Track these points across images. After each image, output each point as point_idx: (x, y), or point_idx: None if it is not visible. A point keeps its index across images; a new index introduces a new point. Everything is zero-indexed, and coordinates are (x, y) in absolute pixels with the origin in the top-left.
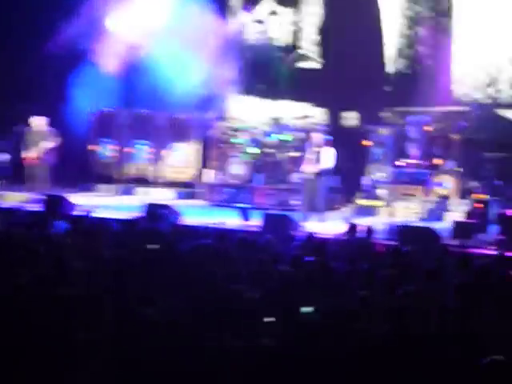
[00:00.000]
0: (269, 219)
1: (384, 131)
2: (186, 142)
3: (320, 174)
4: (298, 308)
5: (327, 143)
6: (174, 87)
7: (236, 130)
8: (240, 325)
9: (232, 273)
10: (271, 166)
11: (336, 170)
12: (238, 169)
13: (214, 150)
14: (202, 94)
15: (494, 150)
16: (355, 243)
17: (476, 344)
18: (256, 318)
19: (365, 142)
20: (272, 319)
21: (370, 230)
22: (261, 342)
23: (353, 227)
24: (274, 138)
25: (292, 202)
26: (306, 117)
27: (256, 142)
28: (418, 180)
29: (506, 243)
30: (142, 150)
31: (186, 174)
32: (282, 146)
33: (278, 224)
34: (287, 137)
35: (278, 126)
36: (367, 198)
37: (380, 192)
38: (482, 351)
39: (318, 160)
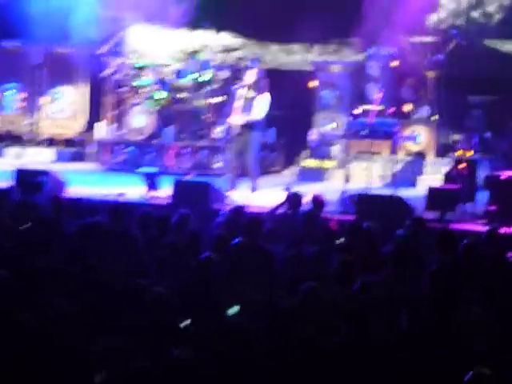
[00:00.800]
0: (182, 188)
1: (337, 68)
2: (70, 85)
3: (251, 126)
4: (222, 307)
5: (261, 86)
6: (53, 13)
7: (139, 68)
8: (144, 331)
9: (133, 262)
10: (185, 117)
11: (273, 122)
12: (141, 121)
13: (108, 95)
14: (92, 21)
15: (480, 91)
16: (299, 219)
17: (459, 347)
18: (167, 323)
19: (311, 84)
20: (187, 323)
21: (318, 201)
22: (172, 355)
23: (295, 197)
24: (189, 78)
25: (214, 165)
26: (231, 50)
27: (165, 85)
28: (383, 133)
29: (498, 216)
30: (11, 97)
31: (71, 129)
32: (200, 89)
33: (196, 194)
34: (206, 77)
35: (195, 62)
36: (315, 157)
37: (332, 149)
38: (466, 357)
39: (248, 108)
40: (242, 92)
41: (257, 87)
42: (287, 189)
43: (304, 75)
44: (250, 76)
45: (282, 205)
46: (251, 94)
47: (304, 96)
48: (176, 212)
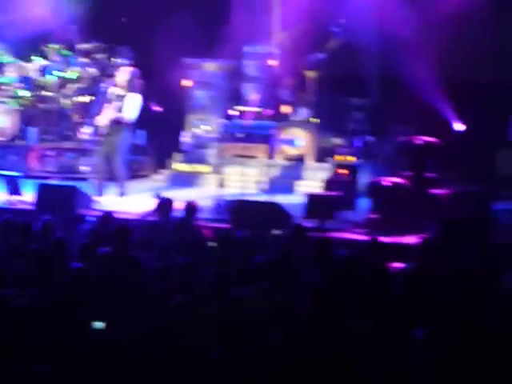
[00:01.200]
0: (46, 192)
1: (212, 66)
2: None
3: (120, 127)
4: (86, 322)
5: (134, 85)
6: None
7: (1, 64)
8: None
9: None
10: (50, 117)
11: (142, 123)
12: (2, 121)
13: None
14: None
15: (363, 93)
16: (170, 226)
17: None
18: (28, 340)
19: (184, 82)
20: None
21: (190, 208)
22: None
23: (166, 203)
24: (55, 75)
25: (80, 168)
26: (97, 45)
27: (28, 82)
28: (259, 136)
29: (379, 224)
30: None
31: None
32: (66, 87)
33: (60, 199)
34: (73, 74)
35: (61, 58)
36: (187, 161)
37: (206, 153)
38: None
39: (118, 108)
40: (111, 91)
41: (129, 86)
42: (157, 194)
43: (176, 73)
44: (122, 74)
45: (152, 211)
46: (122, 93)
47: (176, 96)
48: (39, 218)
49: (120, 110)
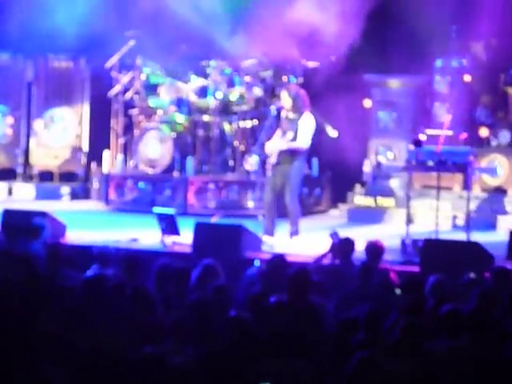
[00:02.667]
0: (206, 232)
1: (396, 84)
2: (68, 106)
3: (292, 156)
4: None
5: (301, 104)
6: (48, 19)
7: (153, 85)
8: None
9: (147, 324)
10: (209, 145)
11: (315, 150)
12: (155, 150)
13: (115, 119)
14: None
15: None
16: (350, 271)
17: None
18: None
19: (365, 103)
20: None
21: (374, 248)
22: None
23: (346, 244)
24: (216, 96)
25: (246, 204)
26: (263, 61)
27: (184, 105)
28: (453, 163)
29: None
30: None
31: (70, 160)
32: (228, 110)
33: (223, 240)
34: (236, 95)
35: (221, 77)
36: (369, 194)
37: (390, 184)
38: None
39: (289, 134)
40: (281, 114)
41: (296, 108)
42: (334, 233)
43: (358, 91)
44: (285, 94)
45: (328, 253)
46: (292, 116)
47: (357, 118)
48: (199, 263)
49: (291, 136)
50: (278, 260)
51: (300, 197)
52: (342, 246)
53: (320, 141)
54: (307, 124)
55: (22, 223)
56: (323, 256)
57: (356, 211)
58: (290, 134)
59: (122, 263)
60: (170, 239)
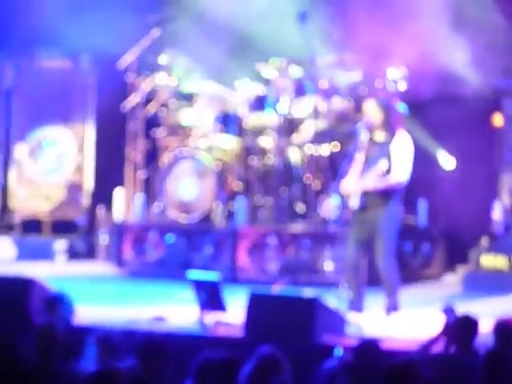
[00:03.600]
0: (264, 308)
1: None
2: (63, 125)
3: (384, 197)
4: None
5: (391, 122)
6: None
7: (186, 95)
8: None
9: None
10: (270, 181)
11: (423, 189)
12: (192, 188)
13: (132, 143)
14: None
15: None
16: (474, 362)
17: None
18: None
19: (496, 119)
20: None
21: (506, 330)
22: None
23: (467, 324)
24: (279, 110)
25: (322, 267)
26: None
27: (233, 123)
28: None
29: None
30: None
31: (58, 202)
32: (296, 130)
33: (289, 319)
34: (306, 109)
35: (285, 83)
36: (501, 251)
37: None
38: None
39: (375, 163)
40: (365, 135)
41: (389, 123)
42: (449, 309)
43: (478, 106)
44: (370, 107)
45: (440, 337)
46: (379, 136)
47: (481, 140)
48: (254, 352)
49: (383, 167)
50: (370, 347)
51: (398, 256)
52: (460, 327)
53: (429, 175)
54: (405, 148)
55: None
56: (434, 341)
57: (479, 276)
58: (382, 164)
59: (143, 353)
60: (211, 317)
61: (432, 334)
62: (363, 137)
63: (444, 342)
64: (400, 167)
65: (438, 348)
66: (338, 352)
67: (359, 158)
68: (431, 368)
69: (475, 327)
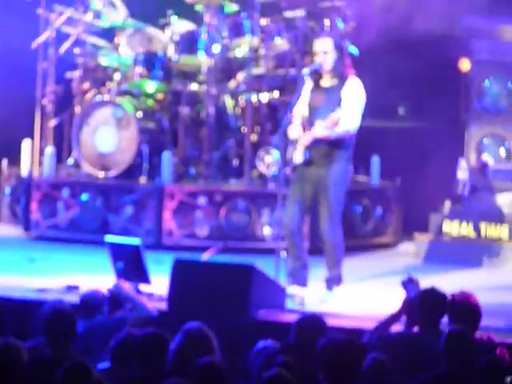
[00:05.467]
0: (194, 278)
1: None
2: None
3: (332, 151)
4: None
5: (341, 67)
6: None
7: (109, 30)
8: None
9: None
10: (198, 131)
11: (376, 145)
12: (111, 139)
13: (42, 85)
14: None
15: None
16: (435, 342)
17: None
18: None
19: (463, 64)
20: None
21: (468, 308)
22: None
23: (432, 299)
24: (212, 51)
25: (260, 231)
26: None
27: (156, 65)
28: None
29: None
30: None
31: None
32: (232, 74)
33: (223, 291)
34: (244, 49)
35: (220, 16)
36: (465, 216)
37: (499, 201)
38: None
39: (323, 112)
40: (310, 80)
41: (339, 67)
42: (410, 281)
43: (446, 46)
44: (321, 47)
45: (399, 315)
46: (328, 81)
47: (446, 89)
48: (179, 327)
49: (338, 116)
50: (312, 323)
51: (345, 220)
52: (425, 303)
53: (383, 128)
54: (358, 95)
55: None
56: (392, 319)
57: (441, 245)
58: (336, 112)
59: (49, 327)
60: (131, 287)
61: (389, 312)
62: (308, 82)
63: (404, 321)
64: (351, 115)
65: (396, 328)
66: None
67: (303, 106)
68: (388, 349)
69: (442, 303)
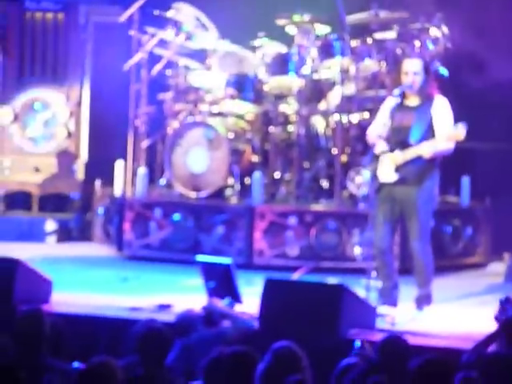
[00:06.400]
0: (284, 297)
1: None
2: (54, 84)
3: (424, 171)
4: None
5: (426, 89)
6: None
7: (200, 52)
8: None
9: None
10: (292, 153)
11: (467, 164)
12: (203, 160)
13: (135, 106)
14: None
15: None
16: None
17: None
18: None
19: None
20: None
21: None
22: None
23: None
24: (303, 72)
25: (350, 252)
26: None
27: (251, 87)
28: None
29: None
30: None
31: (49, 174)
32: (322, 95)
33: (313, 310)
34: (334, 70)
35: (312, 40)
36: None
37: None
38: None
39: (413, 131)
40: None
41: (426, 88)
42: (508, 301)
43: None
44: (420, 64)
45: (496, 336)
46: (414, 100)
47: None
48: (269, 347)
49: (418, 133)
50: (394, 343)
51: (434, 240)
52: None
53: (473, 148)
54: (448, 113)
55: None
56: (490, 339)
57: None
58: (418, 132)
59: (142, 346)
60: (224, 305)
61: (484, 333)
62: (389, 102)
63: (503, 342)
64: (447, 134)
65: (494, 348)
66: (357, 345)
67: (383, 125)
68: (485, 370)
69: None
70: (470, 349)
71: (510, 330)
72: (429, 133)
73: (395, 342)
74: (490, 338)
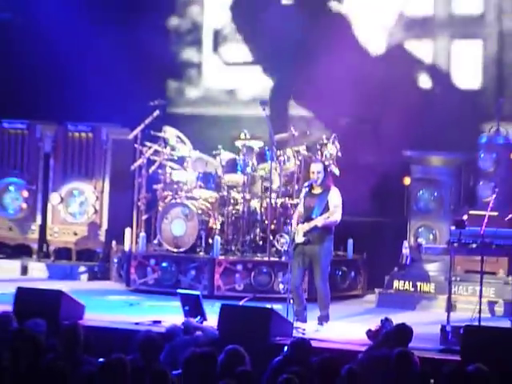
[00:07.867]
0: (233, 316)
1: (437, 161)
2: (87, 180)
3: (322, 235)
4: None
5: (326, 181)
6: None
7: (179, 160)
8: None
9: None
10: (237, 223)
11: (351, 231)
12: (181, 227)
13: (138, 194)
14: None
15: None
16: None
17: None
18: None
19: (406, 180)
20: None
21: (403, 334)
22: None
23: (403, 331)
24: (243, 172)
25: (277, 287)
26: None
27: (212, 180)
28: (498, 247)
29: None
30: (12, 195)
31: (82, 236)
32: (256, 186)
33: (252, 325)
34: (266, 170)
35: (252, 152)
36: (407, 278)
37: (430, 268)
38: None
39: (315, 210)
40: (308, 188)
41: (326, 181)
42: (386, 320)
43: (394, 168)
44: (321, 167)
45: (382, 342)
46: (317, 190)
47: (393, 195)
48: (223, 348)
49: (317, 212)
50: (301, 344)
51: (330, 280)
52: (398, 334)
53: (355, 221)
54: (338, 199)
55: (36, 302)
56: (377, 344)
57: (390, 297)
58: (316, 211)
59: (142, 348)
60: (195, 322)
61: (358, 337)
62: (304, 191)
63: (385, 346)
64: (338, 211)
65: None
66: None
67: (301, 206)
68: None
69: (411, 334)
70: (364, 351)
71: (388, 339)
72: (325, 211)
73: (302, 343)
74: (377, 345)
